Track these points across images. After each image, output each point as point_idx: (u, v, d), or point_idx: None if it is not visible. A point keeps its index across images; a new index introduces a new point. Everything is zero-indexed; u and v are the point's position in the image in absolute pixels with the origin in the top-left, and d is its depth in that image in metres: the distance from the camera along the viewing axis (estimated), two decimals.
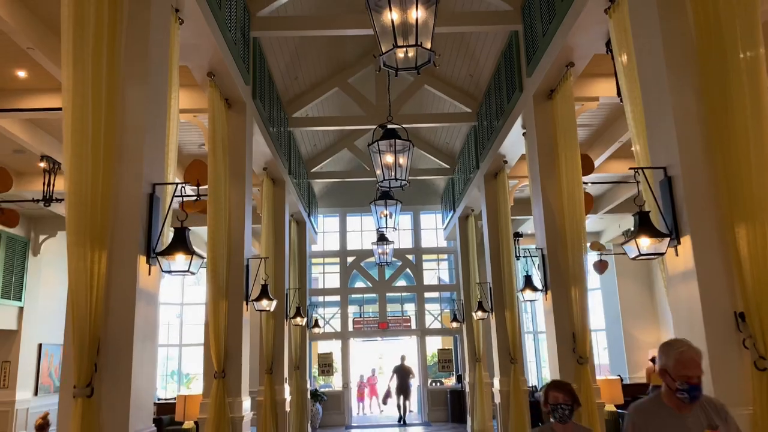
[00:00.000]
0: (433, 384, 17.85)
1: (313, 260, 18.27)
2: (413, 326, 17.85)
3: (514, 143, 9.30)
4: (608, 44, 6.44)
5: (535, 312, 18.50)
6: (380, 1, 4.49)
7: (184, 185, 4.30)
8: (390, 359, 18.38)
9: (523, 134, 8.61)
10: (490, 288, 10.84)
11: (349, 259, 18.20)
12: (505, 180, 10.40)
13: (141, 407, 3.92)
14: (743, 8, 3.97)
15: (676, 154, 4.16)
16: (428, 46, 4.42)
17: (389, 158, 6.93)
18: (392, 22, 4.39)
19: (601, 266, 12.62)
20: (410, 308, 18.29)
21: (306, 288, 14.18)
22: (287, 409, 10.08)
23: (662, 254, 4.20)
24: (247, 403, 6.99)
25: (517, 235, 12.20)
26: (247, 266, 7.27)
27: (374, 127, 6.64)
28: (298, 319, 11.36)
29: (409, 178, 6.97)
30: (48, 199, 9.22)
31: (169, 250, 4.06)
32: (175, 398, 9.81)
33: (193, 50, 6.29)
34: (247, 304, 7.19)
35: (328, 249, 18.44)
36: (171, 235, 4.27)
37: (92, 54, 3.73)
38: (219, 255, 6.72)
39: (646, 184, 4.43)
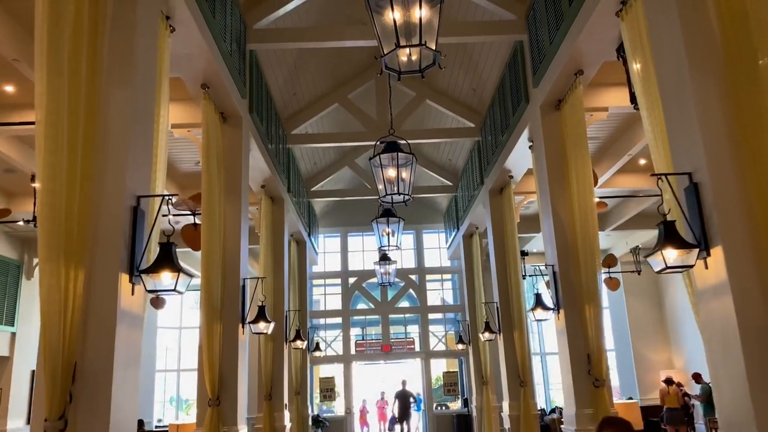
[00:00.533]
0: (439, 408, 17.33)
1: (314, 281, 17.90)
2: (417, 348, 17.39)
3: (520, 157, 9.00)
4: (619, 50, 6.18)
5: (542, 332, 18.03)
6: (381, 0, 4.22)
7: (170, 197, 3.98)
8: (393, 383, 17.85)
9: (530, 147, 8.31)
10: (497, 308, 10.46)
11: (351, 280, 17.82)
12: (510, 195, 10.09)
13: None
14: None
15: (702, 158, 3.85)
16: (433, 46, 4.12)
17: (391, 172, 6.61)
18: (394, 21, 4.10)
19: (612, 284, 12.25)
20: (414, 330, 17.85)
21: (306, 310, 13.79)
22: None
23: (690, 267, 3.86)
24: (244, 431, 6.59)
25: (523, 254, 11.86)
26: (244, 287, 6.92)
27: (375, 143, 6.33)
28: (298, 342, 10.96)
29: (412, 198, 6.67)
30: None
31: (154, 268, 3.73)
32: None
33: (186, 60, 6.03)
34: (243, 326, 6.83)
35: (330, 269, 18.07)
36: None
37: (69, 56, 3.44)
38: (213, 275, 6.38)
39: (670, 191, 4.11)
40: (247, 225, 7.43)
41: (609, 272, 12.72)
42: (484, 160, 11.07)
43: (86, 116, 3.56)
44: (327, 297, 18.13)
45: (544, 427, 10.79)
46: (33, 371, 12.39)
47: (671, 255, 3.83)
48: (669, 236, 3.86)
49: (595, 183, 7.85)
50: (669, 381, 12.92)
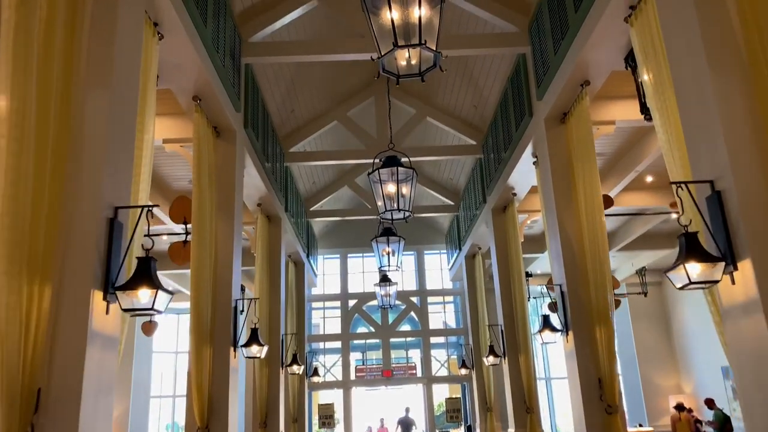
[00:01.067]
0: None
1: (313, 304, 17.51)
2: (419, 373, 16.92)
3: (523, 173, 8.73)
4: (627, 59, 5.94)
5: (547, 356, 17.57)
6: (378, 1, 3.97)
7: (151, 208, 3.67)
8: (395, 410, 17.34)
9: (534, 163, 8.05)
10: (502, 330, 10.09)
11: (351, 303, 17.42)
12: (514, 213, 9.79)
13: None
14: None
15: (726, 165, 3.55)
16: (433, 46, 3.85)
17: (391, 188, 6.32)
18: (392, 21, 3.85)
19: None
20: (415, 354, 17.39)
21: (304, 333, 13.39)
22: None
23: (716, 282, 3.54)
24: None
25: (527, 275, 11.54)
26: (236, 308, 6.59)
27: (374, 158, 6.06)
28: (295, 367, 10.55)
29: (412, 215, 6.37)
30: None
31: (130, 284, 3.41)
32: None
33: (176, 70, 5.78)
34: (235, 350, 6.47)
35: (329, 292, 17.69)
36: None
37: (40, 52, 3.17)
38: (203, 295, 6.05)
39: (691, 200, 3.80)
40: (241, 243, 7.12)
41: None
42: (486, 177, 10.80)
43: (58, 118, 3.28)
44: (326, 320, 17.72)
45: None
46: None
47: (694, 269, 3.50)
48: (691, 249, 3.55)
49: (610, 205, 7.56)
50: (680, 407, 12.46)
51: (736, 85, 3.62)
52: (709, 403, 12.20)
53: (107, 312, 3.45)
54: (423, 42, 3.80)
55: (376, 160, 6.20)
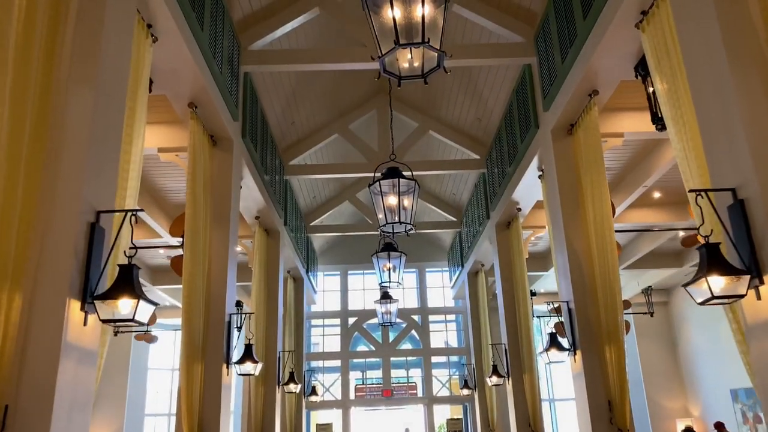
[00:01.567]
0: None
1: (313, 321, 17.20)
2: (420, 394, 16.53)
3: (528, 187, 8.51)
4: (637, 68, 5.75)
5: (550, 376, 17.18)
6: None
7: (135, 213, 3.44)
8: (394, 431, 16.92)
9: (539, 176, 7.84)
10: (506, 350, 9.79)
11: (351, 320, 17.10)
12: (518, 229, 9.55)
13: None
14: None
15: (750, 171, 3.32)
16: (437, 45, 3.65)
17: (392, 200, 6.09)
18: (394, 20, 3.65)
19: None
20: (416, 374, 17.01)
21: (302, 351, 13.07)
22: None
23: (741, 297, 3.29)
24: None
25: (531, 294, 11.26)
26: (229, 323, 6.33)
27: (375, 169, 5.83)
28: (292, 385, 10.24)
29: (414, 231, 6.12)
30: None
31: (110, 294, 3.17)
32: None
33: (171, 75, 5.59)
34: (228, 367, 6.20)
35: (329, 309, 17.38)
36: None
37: (18, 42, 2.97)
38: (195, 309, 5.80)
39: (711, 209, 3.56)
40: (236, 255, 6.88)
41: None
42: (490, 192, 10.58)
43: (36, 114, 3.07)
44: (326, 338, 17.38)
45: None
46: None
47: (717, 283, 3.26)
48: (713, 261, 3.30)
49: (613, 213, 7.31)
50: (689, 431, 12.10)
51: (759, 84, 3.40)
52: (719, 426, 11.85)
53: (85, 323, 3.20)
54: (426, 40, 3.60)
55: (378, 174, 5.97)
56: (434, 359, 16.90)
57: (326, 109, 10.82)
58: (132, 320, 3.14)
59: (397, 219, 6.01)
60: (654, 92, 5.52)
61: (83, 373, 3.19)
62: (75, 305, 3.12)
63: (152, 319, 11.15)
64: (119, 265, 3.26)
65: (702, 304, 3.38)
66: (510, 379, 9.61)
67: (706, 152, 3.77)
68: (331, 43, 9.50)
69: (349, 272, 17.58)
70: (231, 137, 6.83)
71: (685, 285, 3.43)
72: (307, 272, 13.67)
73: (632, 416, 5.89)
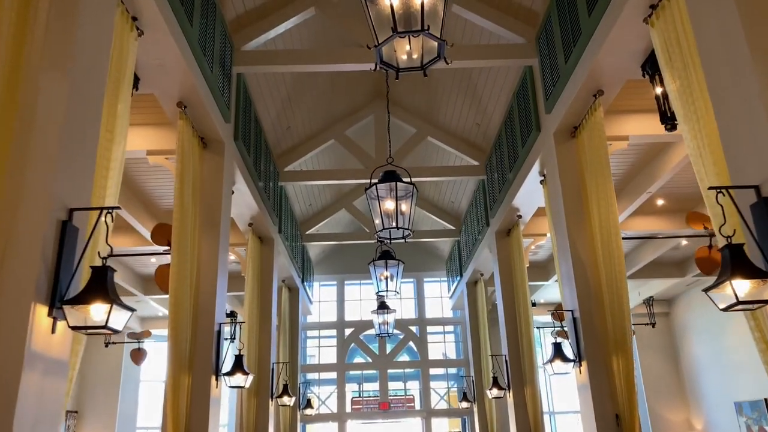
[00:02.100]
0: None
1: (308, 332, 16.88)
2: (417, 407, 16.18)
3: (529, 194, 8.26)
4: (645, 66, 5.52)
5: (550, 388, 16.85)
6: None
7: (110, 210, 3.18)
8: None
9: (541, 182, 7.59)
10: (506, 361, 9.49)
11: (347, 331, 16.78)
12: (519, 237, 9.29)
13: None
14: None
15: None
16: (437, 33, 3.41)
17: (389, 204, 5.84)
18: (391, 6, 3.41)
19: None
20: (414, 386, 16.68)
21: (297, 363, 12.74)
22: None
23: (767, 302, 3.03)
24: None
25: (531, 305, 10.99)
26: (219, 333, 6.04)
27: (372, 173, 5.58)
28: (286, 398, 9.92)
29: (411, 240, 5.85)
30: None
31: (81, 298, 2.89)
32: None
33: (158, 72, 5.35)
34: (217, 379, 5.91)
35: (324, 320, 17.06)
36: None
37: None
38: (182, 318, 5.52)
39: (734, 208, 3.32)
40: (226, 262, 6.60)
41: None
42: (489, 199, 10.33)
43: (3, 97, 2.81)
44: (321, 350, 17.04)
45: None
46: None
47: (743, 287, 3.00)
48: (738, 263, 3.05)
49: None
50: None
51: None
52: None
53: (53, 330, 2.93)
54: (426, 28, 3.36)
55: (374, 180, 5.72)
56: (432, 371, 16.57)
57: (322, 114, 10.59)
58: (104, 327, 2.87)
59: (394, 225, 5.76)
60: (663, 90, 5.30)
61: (50, 386, 2.91)
62: (41, 310, 2.85)
63: (146, 333, 10.82)
64: (92, 267, 2.99)
65: (725, 310, 3.12)
66: (511, 391, 9.31)
67: (726, 149, 3.52)
68: (327, 44, 9.28)
69: (346, 282, 17.30)
70: (222, 139, 6.58)
71: (707, 290, 3.18)
72: (302, 282, 13.38)
73: (642, 431, 5.61)
